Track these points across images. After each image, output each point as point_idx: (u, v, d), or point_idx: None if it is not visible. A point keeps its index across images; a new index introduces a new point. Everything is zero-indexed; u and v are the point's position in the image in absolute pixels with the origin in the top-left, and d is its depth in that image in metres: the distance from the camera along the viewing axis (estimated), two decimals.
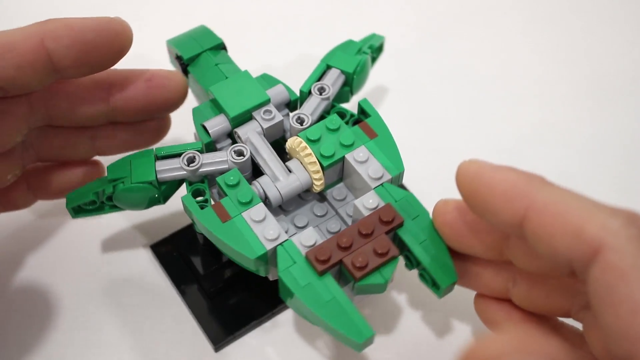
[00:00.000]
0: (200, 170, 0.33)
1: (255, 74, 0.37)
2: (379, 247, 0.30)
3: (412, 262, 0.32)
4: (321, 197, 0.36)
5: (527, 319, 0.32)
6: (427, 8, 0.52)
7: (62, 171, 0.37)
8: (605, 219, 0.24)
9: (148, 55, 0.43)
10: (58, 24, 0.31)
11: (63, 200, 0.36)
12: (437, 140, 0.45)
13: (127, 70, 0.35)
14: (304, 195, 0.35)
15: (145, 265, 0.39)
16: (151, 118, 0.37)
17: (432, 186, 0.41)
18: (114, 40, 0.32)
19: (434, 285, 0.31)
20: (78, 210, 0.35)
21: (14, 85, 0.31)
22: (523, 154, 0.44)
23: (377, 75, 0.47)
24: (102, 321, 0.37)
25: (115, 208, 0.35)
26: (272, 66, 0.45)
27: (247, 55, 0.43)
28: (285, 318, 0.37)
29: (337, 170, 0.35)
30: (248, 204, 0.32)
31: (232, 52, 0.39)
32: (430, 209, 0.33)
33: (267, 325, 0.37)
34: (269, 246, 0.31)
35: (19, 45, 0.30)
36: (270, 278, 0.33)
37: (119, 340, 0.36)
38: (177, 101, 0.36)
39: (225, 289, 0.37)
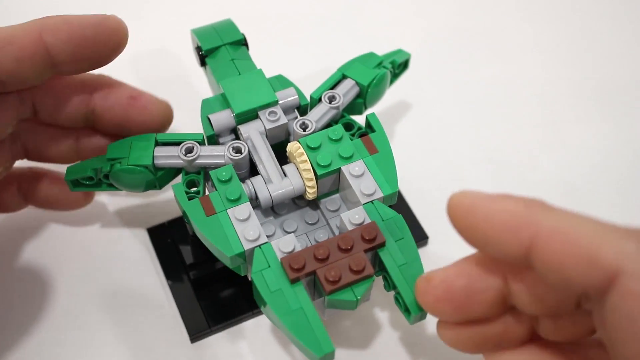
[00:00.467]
0: (196, 161, 0.34)
1: (272, 74, 0.37)
2: (355, 264, 0.30)
3: (389, 284, 0.31)
4: (315, 205, 0.35)
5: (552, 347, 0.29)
6: (427, 11, 0.52)
7: (52, 182, 0.38)
8: (619, 243, 0.23)
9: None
10: (57, 20, 0.32)
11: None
12: (436, 141, 0.45)
13: (118, 81, 0.36)
14: (298, 201, 0.35)
15: (140, 269, 0.39)
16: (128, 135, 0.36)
17: (431, 186, 0.41)
18: (111, 36, 0.32)
19: (406, 310, 0.30)
20: (76, 184, 0.35)
21: (13, 79, 0.31)
22: (522, 156, 0.44)
23: None
24: (98, 326, 0.37)
25: (112, 187, 0.35)
26: (291, 69, 0.45)
27: (269, 54, 0.43)
28: (267, 321, 0.37)
29: (333, 181, 0.34)
30: (235, 201, 0.32)
31: (253, 50, 0.39)
32: (430, 209, 0.32)
33: (248, 324, 0.37)
34: (247, 246, 0.31)
35: (18, 39, 0.30)
36: (250, 278, 0.33)
37: (112, 344, 0.36)
38: (156, 128, 0.36)
39: (211, 282, 0.37)
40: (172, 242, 0.39)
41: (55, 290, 0.38)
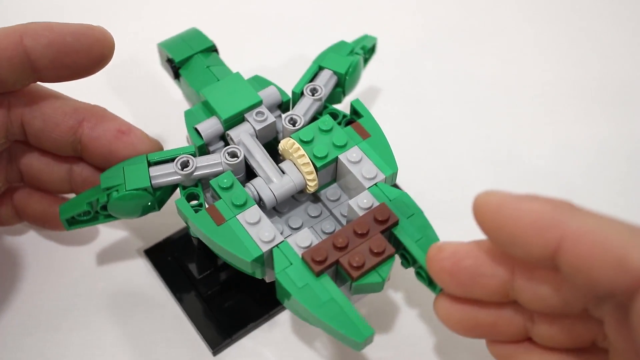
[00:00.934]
0: (194, 174, 0.33)
1: (246, 75, 0.37)
2: (375, 247, 0.30)
3: (409, 260, 0.32)
4: (315, 198, 0.36)
5: (549, 352, 0.30)
6: (426, 10, 0.53)
7: (44, 199, 0.37)
8: None
9: (136, 57, 0.43)
10: (39, 25, 0.32)
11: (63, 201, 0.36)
12: (436, 141, 0.45)
13: (112, 114, 0.35)
14: (298, 197, 0.35)
15: (140, 270, 0.39)
16: None
17: (431, 187, 0.41)
18: (93, 46, 0.32)
19: (430, 283, 0.31)
20: (72, 222, 0.34)
21: None
22: (522, 156, 0.44)
23: (376, 76, 0.47)
24: (100, 327, 0.37)
25: (109, 217, 0.34)
26: (264, 68, 0.45)
27: (238, 57, 0.43)
28: (282, 319, 0.37)
29: (331, 171, 0.35)
30: (242, 206, 0.32)
31: (223, 55, 0.39)
32: (430, 209, 0.33)
33: (265, 327, 0.37)
34: (264, 248, 0.31)
35: None
36: (267, 280, 0.33)
37: (116, 346, 0.36)
38: None
39: (221, 292, 0.37)
40: (173, 259, 0.38)
41: (56, 289, 0.38)
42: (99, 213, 0.34)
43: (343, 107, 0.38)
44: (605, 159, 0.44)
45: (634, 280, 0.22)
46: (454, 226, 0.34)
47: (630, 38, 0.51)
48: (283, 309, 0.37)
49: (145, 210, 0.34)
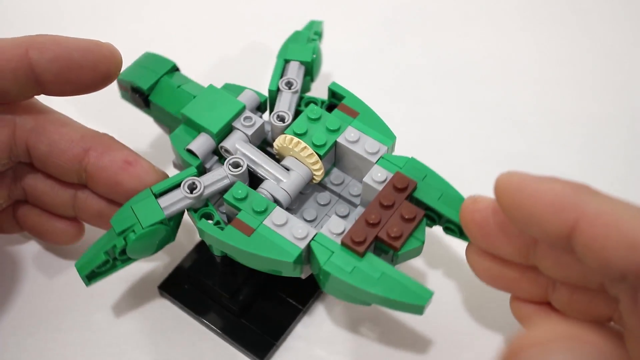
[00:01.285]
0: (204, 194, 0.33)
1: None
2: (407, 213, 0.31)
3: (435, 218, 0.33)
4: (319, 187, 0.36)
5: (566, 320, 0.30)
6: (435, 15, 0.53)
7: (47, 216, 0.37)
8: None
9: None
10: (46, 38, 0.32)
11: None
12: (436, 141, 0.45)
13: (119, 143, 0.34)
14: (303, 190, 0.36)
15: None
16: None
17: None
18: (100, 63, 0.32)
19: (462, 234, 0.32)
20: (92, 276, 0.33)
21: None
22: (522, 156, 0.45)
23: (373, 75, 0.48)
24: (100, 326, 0.37)
25: (127, 262, 0.33)
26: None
27: (193, 69, 0.42)
28: (317, 311, 0.38)
29: (330, 157, 0.35)
30: (265, 211, 0.32)
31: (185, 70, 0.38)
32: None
33: (302, 324, 0.37)
34: (302, 245, 0.31)
35: (4, 51, 0.31)
36: (303, 277, 0.33)
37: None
38: None
39: (251, 303, 0.37)
40: (190, 286, 0.37)
41: (57, 290, 0.38)
42: (117, 259, 0.33)
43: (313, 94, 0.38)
44: (606, 158, 0.44)
45: None
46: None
47: (632, 37, 0.51)
48: (315, 300, 0.38)
49: (162, 244, 0.33)
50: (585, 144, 0.45)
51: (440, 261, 0.39)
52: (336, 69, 0.48)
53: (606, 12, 0.53)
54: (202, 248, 0.39)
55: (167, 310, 0.37)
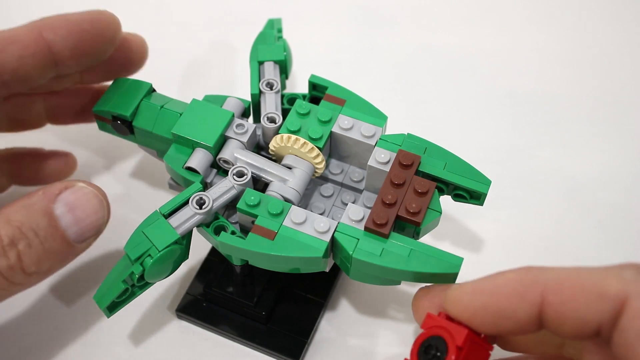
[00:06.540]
0: (214, 207, 0.32)
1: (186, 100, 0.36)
2: (420, 188, 0.32)
3: (442, 188, 0.34)
4: (320, 180, 0.36)
5: None
6: (437, 15, 0.52)
7: (38, 160, 0.40)
8: (619, 273, 0.25)
9: None
10: (55, 18, 0.34)
11: None
12: (436, 142, 0.44)
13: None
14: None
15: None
16: None
17: None
18: (106, 29, 0.35)
19: (472, 197, 0.33)
20: (113, 307, 0.32)
21: (16, 77, 0.33)
22: (522, 155, 0.44)
23: (371, 73, 0.47)
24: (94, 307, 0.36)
25: (144, 287, 0.32)
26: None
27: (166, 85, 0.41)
28: (338, 302, 0.38)
29: (326, 149, 0.35)
30: (282, 212, 0.32)
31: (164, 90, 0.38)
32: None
33: (325, 317, 0.38)
34: (327, 238, 0.31)
35: (20, 38, 0.33)
36: (327, 269, 0.34)
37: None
38: None
39: (274, 307, 0.37)
40: (209, 303, 0.37)
41: (58, 289, 0.38)
42: (135, 286, 0.32)
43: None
44: (606, 158, 0.44)
45: (615, 305, 0.24)
46: (454, 225, 0.35)
47: (632, 37, 0.51)
48: (334, 291, 0.38)
49: (177, 264, 0.33)
50: (585, 143, 0.45)
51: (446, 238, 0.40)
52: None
53: (606, 10, 0.52)
54: (210, 264, 0.38)
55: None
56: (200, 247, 0.38)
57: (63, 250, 0.31)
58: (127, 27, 0.37)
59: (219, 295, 0.36)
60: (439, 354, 0.27)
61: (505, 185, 0.42)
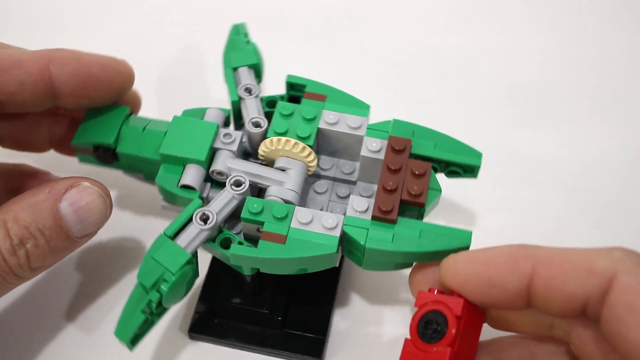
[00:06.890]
0: (218, 221, 0.32)
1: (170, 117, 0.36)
2: (417, 169, 0.33)
3: (436, 167, 0.34)
4: (312, 177, 0.36)
5: None
6: (437, 16, 0.52)
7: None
8: (609, 252, 0.26)
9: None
10: (67, 53, 0.33)
11: None
12: None
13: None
14: None
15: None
16: None
17: None
18: (115, 79, 0.34)
19: (465, 171, 0.34)
20: (135, 339, 0.31)
21: (12, 101, 0.33)
22: (522, 155, 0.44)
23: (371, 73, 0.47)
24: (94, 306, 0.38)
25: (162, 314, 0.32)
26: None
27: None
28: (346, 295, 0.38)
29: (315, 147, 0.36)
30: (287, 215, 0.32)
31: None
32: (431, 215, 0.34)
33: (337, 311, 0.38)
34: (337, 233, 0.31)
35: (26, 64, 0.32)
36: (336, 264, 0.34)
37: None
38: None
39: (286, 311, 0.37)
40: (220, 319, 0.37)
41: (58, 290, 0.38)
42: (154, 314, 0.32)
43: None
44: (606, 158, 0.44)
45: (603, 281, 0.25)
46: (453, 225, 0.35)
47: (632, 37, 0.51)
48: (339, 286, 0.38)
49: (190, 285, 0.33)
50: (585, 143, 0.45)
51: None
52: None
53: (606, 10, 0.52)
54: (212, 279, 0.38)
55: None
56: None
57: (66, 247, 0.32)
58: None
59: (230, 309, 0.36)
60: (439, 327, 0.28)
61: (505, 185, 0.43)
